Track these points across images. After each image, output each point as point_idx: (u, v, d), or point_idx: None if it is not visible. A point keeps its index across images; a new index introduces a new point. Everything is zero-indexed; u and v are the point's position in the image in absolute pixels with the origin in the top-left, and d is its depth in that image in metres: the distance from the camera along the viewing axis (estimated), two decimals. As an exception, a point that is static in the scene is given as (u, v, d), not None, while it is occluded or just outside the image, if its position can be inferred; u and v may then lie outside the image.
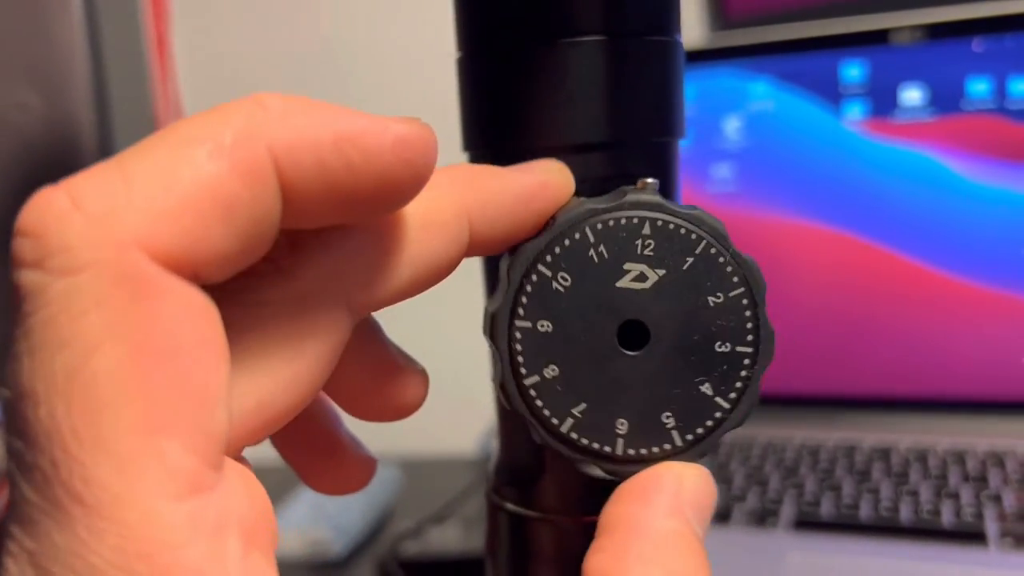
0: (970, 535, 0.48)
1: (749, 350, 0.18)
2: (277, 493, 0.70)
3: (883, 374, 0.61)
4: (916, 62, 0.58)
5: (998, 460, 0.54)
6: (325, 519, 0.59)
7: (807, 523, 0.50)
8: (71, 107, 0.56)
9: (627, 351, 0.17)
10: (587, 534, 0.22)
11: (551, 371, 0.17)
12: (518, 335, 0.17)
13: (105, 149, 0.57)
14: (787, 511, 0.52)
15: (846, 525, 0.50)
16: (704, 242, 0.17)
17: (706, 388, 0.17)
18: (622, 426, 0.17)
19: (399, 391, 0.18)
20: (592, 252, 0.17)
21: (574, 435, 0.17)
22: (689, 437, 0.17)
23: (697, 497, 0.16)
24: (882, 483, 0.53)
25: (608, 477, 0.18)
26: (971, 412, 0.59)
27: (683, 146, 0.69)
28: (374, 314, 0.18)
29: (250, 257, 0.13)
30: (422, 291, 0.17)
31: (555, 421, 0.17)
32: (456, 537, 0.56)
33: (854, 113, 0.59)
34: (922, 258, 0.59)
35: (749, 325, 0.18)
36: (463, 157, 0.23)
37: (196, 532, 0.12)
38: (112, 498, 0.11)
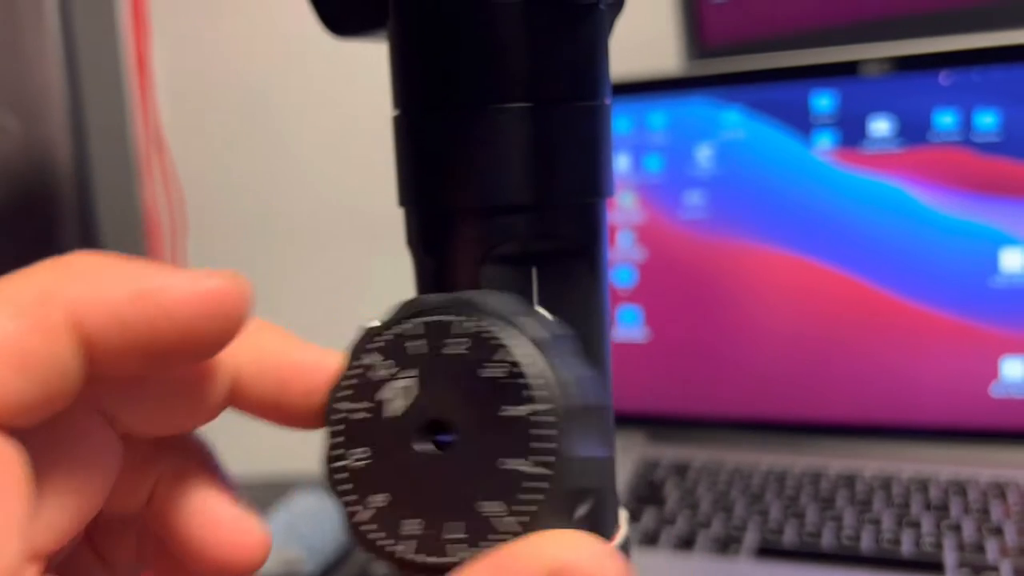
0: (929, 565, 0.48)
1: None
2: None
3: (851, 401, 0.61)
4: (885, 94, 0.58)
5: (960, 489, 0.55)
6: (298, 539, 0.60)
7: (770, 550, 0.51)
8: (48, 130, 0.56)
9: (434, 449, 0.17)
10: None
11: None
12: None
13: (81, 172, 0.57)
14: (751, 538, 0.52)
15: (808, 553, 0.50)
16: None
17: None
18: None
19: (225, 548, 0.18)
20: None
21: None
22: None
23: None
24: (845, 511, 0.54)
25: None
26: (936, 440, 0.60)
27: (656, 172, 0.69)
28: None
29: (57, 403, 0.14)
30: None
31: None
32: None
33: (824, 143, 0.60)
34: (889, 287, 0.59)
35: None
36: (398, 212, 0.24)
37: None
38: None
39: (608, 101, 0.23)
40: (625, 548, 0.25)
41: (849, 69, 0.59)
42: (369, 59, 0.72)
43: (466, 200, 0.22)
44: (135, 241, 0.71)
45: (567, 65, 0.21)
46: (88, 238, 0.58)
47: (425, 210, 0.23)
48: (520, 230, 0.22)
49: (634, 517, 0.56)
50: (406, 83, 0.22)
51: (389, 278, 0.76)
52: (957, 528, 0.51)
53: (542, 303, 0.22)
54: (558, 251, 0.22)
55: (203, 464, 0.19)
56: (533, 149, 0.21)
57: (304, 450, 0.80)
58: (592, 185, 0.22)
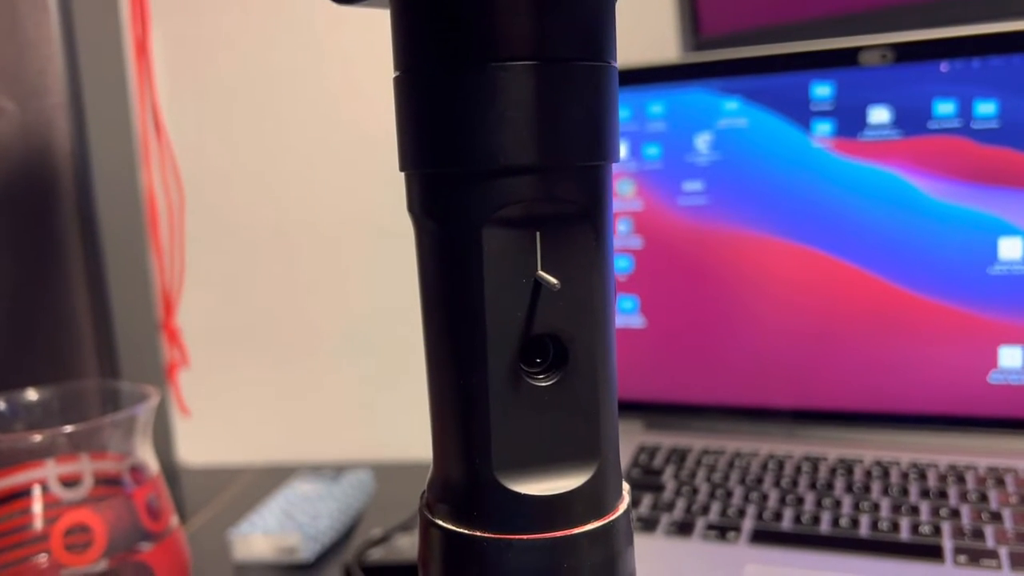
0: (927, 550, 0.48)
1: None
2: (249, 496, 0.70)
3: (849, 388, 0.61)
4: (884, 83, 0.58)
5: (958, 476, 0.55)
6: (295, 526, 0.59)
7: (767, 536, 0.51)
8: (47, 112, 0.56)
9: None
10: (515, 551, 0.23)
11: None
12: None
13: (80, 153, 0.57)
14: (748, 524, 0.52)
15: (805, 538, 0.50)
16: None
17: None
18: None
19: None
20: None
21: None
22: None
23: None
24: (844, 497, 0.54)
25: None
26: (935, 427, 0.60)
27: (655, 160, 0.69)
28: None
29: None
30: None
31: None
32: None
33: (823, 131, 0.60)
34: (887, 275, 0.59)
35: None
36: (400, 177, 0.24)
37: None
38: None
39: (614, 63, 0.22)
40: (627, 518, 0.25)
41: (848, 58, 0.59)
42: (367, 42, 0.72)
43: (468, 162, 0.21)
44: (134, 224, 0.71)
45: (571, 23, 0.21)
46: (86, 221, 0.58)
47: (427, 173, 0.22)
48: (524, 192, 0.22)
49: (633, 503, 0.56)
50: (407, 43, 0.22)
51: (389, 261, 0.76)
52: (955, 514, 0.51)
53: (545, 267, 0.22)
54: (562, 214, 0.22)
55: None
56: (536, 109, 0.21)
57: (301, 438, 0.80)
58: (597, 148, 0.22)
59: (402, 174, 0.23)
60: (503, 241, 0.22)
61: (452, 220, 0.22)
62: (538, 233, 0.22)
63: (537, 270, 0.22)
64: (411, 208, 0.23)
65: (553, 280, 0.22)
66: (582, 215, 0.22)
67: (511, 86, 0.21)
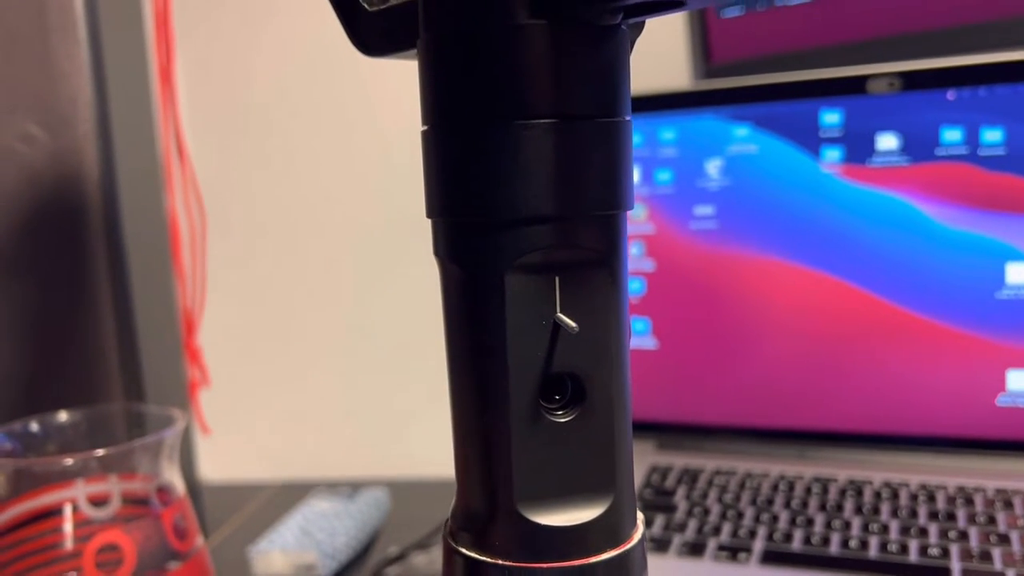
0: (935, 572, 0.49)
1: None
2: (268, 513, 0.71)
3: (859, 411, 0.62)
4: (892, 110, 0.59)
5: (967, 498, 0.56)
6: (312, 543, 0.61)
7: (778, 557, 0.52)
8: (75, 139, 0.58)
9: None
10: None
11: None
12: None
13: (107, 179, 0.59)
14: (759, 545, 0.53)
15: (815, 560, 0.51)
16: None
17: None
18: None
19: None
20: None
21: None
22: None
23: None
24: (853, 518, 0.55)
25: None
26: (943, 449, 0.60)
27: (667, 185, 0.70)
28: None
29: None
30: None
31: None
32: (439, 562, 0.58)
33: (832, 158, 0.61)
34: (896, 299, 0.60)
35: None
36: (426, 223, 0.25)
37: None
38: None
39: (628, 117, 0.24)
40: (642, 546, 0.26)
41: (857, 85, 0.60)
42: (388, 71, 0.74)
43: (492, 212, 0.23)
44: (158, 247, 0.73)
45: (590, 83, 0.22)
46: (113, 243, 0.60)
47: (452, 221, 0.24)
48: (544, 241, 0.23)
49: (645, 524, 0.57)
50: (435, 100, 0.23)
51: (408, 284, 0.78)
52: (964, 536, 0.52)
53: (564, 310, 0.24)
54: (580, 261, 0.23)
55: None
56: (557, 163, 0.22)
57: (320, 456, 0.81)
58: (613, 198, 0.23)
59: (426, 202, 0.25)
60: (524, 286, 0.23)
61: (476, 265, 0.23)
62: (557, 278, 0.23)
63: (556, 313, 0.23)
64: (437, 253, 0.25)
65: (572, 323, 0.23)
66: (599, 261, 0.23)
67: (533, 142, 0.22)
